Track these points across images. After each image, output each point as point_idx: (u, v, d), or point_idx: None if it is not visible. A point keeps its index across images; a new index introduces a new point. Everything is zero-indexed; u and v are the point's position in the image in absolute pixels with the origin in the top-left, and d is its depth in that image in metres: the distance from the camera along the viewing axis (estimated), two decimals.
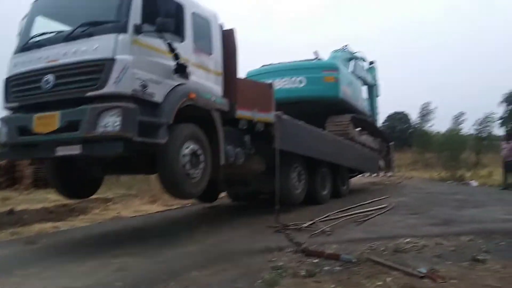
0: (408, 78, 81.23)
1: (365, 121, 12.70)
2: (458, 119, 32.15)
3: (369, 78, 15.01)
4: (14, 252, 5.34)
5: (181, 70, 5.36)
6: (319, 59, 11.75)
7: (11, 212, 8.61)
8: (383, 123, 41.86)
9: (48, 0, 5.83)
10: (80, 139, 4.67)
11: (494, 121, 24.27)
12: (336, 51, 13.03)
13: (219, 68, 6.33)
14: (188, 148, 5.37)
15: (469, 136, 22.22)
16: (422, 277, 3.64)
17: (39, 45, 5.22)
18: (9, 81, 5.34)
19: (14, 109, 5.37)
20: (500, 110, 36.66)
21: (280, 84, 10.80)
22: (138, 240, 5.92)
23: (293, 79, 10.84)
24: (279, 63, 11.83)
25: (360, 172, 13.45)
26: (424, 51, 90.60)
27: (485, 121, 22.20)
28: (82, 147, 4.71)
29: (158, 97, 5.06)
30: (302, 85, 10.75)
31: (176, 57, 5.26)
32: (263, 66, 11.78)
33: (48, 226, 7.36)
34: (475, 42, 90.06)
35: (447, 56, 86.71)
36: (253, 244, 5.29)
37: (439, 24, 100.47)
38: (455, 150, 20.58)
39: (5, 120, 5.34)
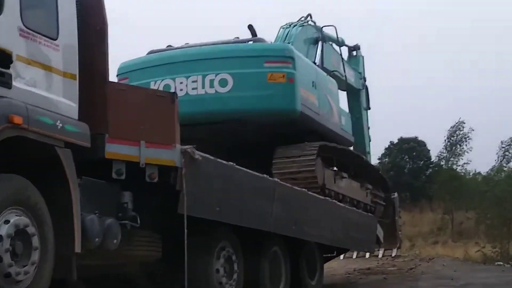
0: (422, 84, 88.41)
1: (345, 153, 13.31)
2: (507, 150, 34.29)
3: (351, 75, 15.73)
4: None
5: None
6: (258, 40, 12.22)
7: None
8: (380, 158, 43.96)
9: None
10: None
11: None
12: (289, 26, 13.67)
13: (73, 66, 6.50)
14: (8, 223, 5.36)
15: None
16: None
17: None
18: None
19: None
20: None
21: (184, 87, 11.22)
22: None
23: (208, 77, 11.19)
24: (185, 46, 12.33)
25: (343, 251, 13.86)
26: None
27: None
28: None
29: None
30: (226, 89, 11.16)
31: None
32: (150, 52, 12.20)
33: None
34: None
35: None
36: None
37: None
38: (509, 207, 21.81)
39: None
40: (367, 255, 20.24)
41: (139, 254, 7.74)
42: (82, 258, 6.35)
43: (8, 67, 5.56)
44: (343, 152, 13.14)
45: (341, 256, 20.21)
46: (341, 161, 12.76)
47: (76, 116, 6.49)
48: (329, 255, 13.37)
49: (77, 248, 6.15)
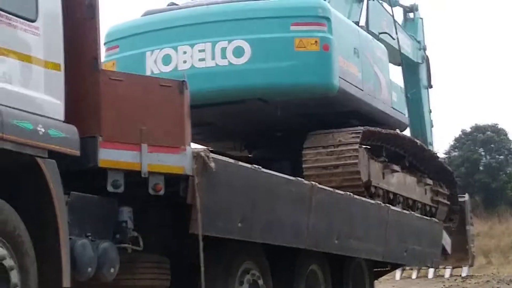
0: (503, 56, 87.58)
1: (397, 140, 13.42)
2: None
3: (407, 44, 15.72)
4: None
5: None
6: None
7: None
8: (448, 152, 43.73)
9: None
10: None
11: None
12: None
13: (57, 53, 6.63)
14: None
15: None
16: None
17: None
18: None
19: None
20: None
21: (189, 58, 11.35)
22: None
23: (219, 45, 11.25)
24: (190, 4, 12.49)
25: (397, 266, 14.04)
26: None
27: None
28: None
29: None
30: (242, 60, 11.21)
31: None
32: (147, 13, 12.29)
33: None
34: None
35: None
36: None
37: None
38: None
39: None
40: (430, 274, 20.62)
41: (143, 284, 7.87)
42: None
43: None
44: (394, 138, 13.18)
45: (397, 276, 20.80)
46: (391, 150, 12.89)
47: (62, 116, 6.61)
48: (381, 269, 13.60)
49: (66, 283, 6.27)
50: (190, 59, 11.30)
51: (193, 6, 12.25)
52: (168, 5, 12.57)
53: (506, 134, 45.74)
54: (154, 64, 11.42)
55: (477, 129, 46.36)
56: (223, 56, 11.21)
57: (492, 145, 45.83)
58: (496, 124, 46.68)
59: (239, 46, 11.17)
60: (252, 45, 11.14)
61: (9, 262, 5.74)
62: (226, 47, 11.23)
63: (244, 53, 11.16)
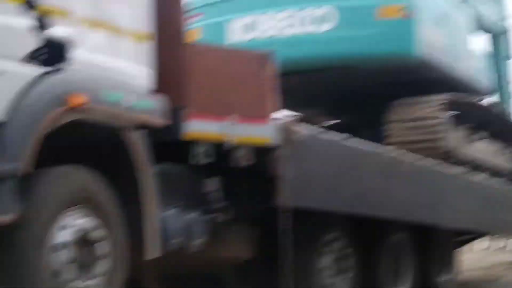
0: None
1: (480, 108, 13.18)
2: None
3: (489, 12, 15.40)
4: None
5: (55, 40, 5.56)
6: None
7: None
8: None
9: None
10: None
11: None
12: None
13: (144, 24, 6.64)
14: (71, 228, 5.58)
15: None
16: None
17: None
18: None
19: None
20: None
21: (271, 25, 11.30)
22: None
23: (304, 12, 11.20)
24: None
25: (481, 235, 14.01)
26: None
27: None
28: None
29: None
30: (327, 27, 11.11)
31: (42, 25, 5.46)
32: None
33: None
34: None
35: None
36: None
37: None
38: None
39: None
40: (510, 245, 20.41)
41: (230, 254, 7.99)
42: (159, 263, 6.61)
43: (65, 32, 5.71)
44: (477, 106, 12.98)
45: (479, 245, 20.55)
46: (475, 118, 12.63)
47: (151, 87, 6.67)
48: (465, 237, 13.57)
49: (154, 253, 6.39)
50: (275, 26, 11.28)
51: None
52: None
53: None
54: (237, 31, 11.45)
55: None
56: (308, 23, 11.15)
57: None
58: None
59: (327, 12, 11.07)
60: (340, 13, 11.03)
61: (99, 232, 5.80)
62: (311, 14, 11.15)
63: (331, 20, 11.06)
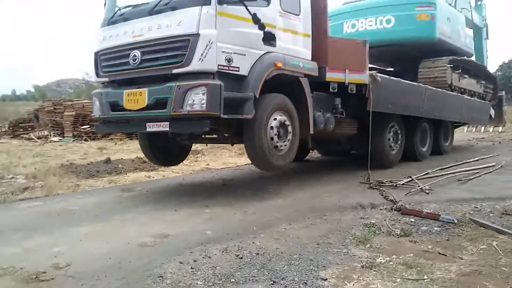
0: None
1: (466, 62, 12.30)
2: None
3: (476, 18, 14.21)
4: (112, 199, 6.25)
5: (268, 38, 5.76)
6: None
7: (107, 161, 9.95)
8: (495, 72, 40.45)
9: None
10: (168, 116, 5.30)
11: None
12: None
13: (308, 29, 6.57)
14: (276, 119, 5.81)
15: None
16: None
17: (125, 18, 5.87)
18: (98, 56, 6.13)
19: (105, 84, 6.22)
20: None
21: (364, 25, 10.82)
22: (228, 191, 6.68)
23: (379, 18, 10.68)
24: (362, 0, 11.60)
25: (465, 124, 13.38)
26: None
27: None
28: (170, 124, 5.36)
29: (243, 70, 5.48)
30: (390, 25, 10.58)
31: (262, 26, 5.57)
32: (344, 4, 11.71)
33: (142, 175, 8.56)
34: None
35: None
36: (344, 200, 5.71)
37: None
38: None
39: (97, 95, 6.17)
40: (482, 129, 19.30)
41: (345, 132, 7.95)
42: (313, 136, 6.74)
43: (273, 35, 5.86)
44: (465, 61, 12.12)
45: (465, 129, 19.51)
46: (464, 67, 11.82)
47: (310, 58, 6.64)
48: (458, 124, 13.09)
49: (311, 131, 6.52)
50: (365, 25, 10.85)
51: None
52: (343, 4, 11.93)
53: None
54: (347, 28, 11.09)
55: (510, 60, 42.27)
56: (381, 23, 10.67)
57: None
58: None
59: (388, 19, 10.57)
60: (396, 18, 10.51)
61: (287, 122, 5.99)
62: (382, 19, 10.63)
63: (391, 22, 10.56)
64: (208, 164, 10.06)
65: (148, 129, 5.61)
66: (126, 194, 6.61)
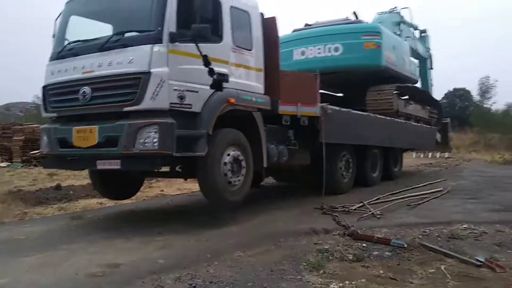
0: (473, 52, 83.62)
1: (412, 89, 12.83)
2: None
3: (420, 48, 14.87)
4: (61, 227, 6.08)
5: (217, 86, 5.70)
6: (358, 22, 11.76)
7: (58, 187, 9.55)
8: (441, 100, 43.34)
9: (81, 1, 6.30)
10: (119, 155, 5.22)
11: None
12: (382, 13, 13.05)
13: (260, 64, 6.65)
14: (229, 155, 5.83)
15: None
16: (479, 266, 3.93)
17: (74, 53, 5.75)
18: (47, 90, 5.96)
19: (53, 119, 6.04)
20: None
21: (313, 52, 11.00)
22: (181, 218, 6.60)
23: (327, 46, 10.89)
24: (311, 26, 11.92)
25: (413, 149, 13.90)
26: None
27: None
28: (121, 162, 5.27)
29: (196, 107, 5.47)
30: (338, 53, 10.79)
31: (211, 72, 5.56)
32: (294, 30, 11.91)
33: (93, 202, 8.30)
34: None
35: None
36: (298, 225, 5.83)
37: None
38: None
39: (46, 130, 5.98)
40: (430, 155, 20.17)
41: (298, 163, 8.03)
42: (267, 176, 7.05)
43: (224, 76, 5.85)
44: (410, 88, 12.68)
45: (414, 155, 20.43)
46: (409, 93, 12.37)
47: (262, 92, 6.71)
48: (406, 150, 13.77)
49: (265, 164, 6.58)
50: (314, 52, 11.03)
51: (316, 26, 11.81)
52: (304, 25, 12.15)
53: (469, 93, 43.81)
54: (297, 55, 11.19)
55: (455, 89, 44.61)
56: (329, 51, 10.88)
57: (462, 97, 44.37)
58: (465, 87, 44.96)
59: (337, 46, 10.81)
60: (343, 46, 10.78)
61: (241, 157, 6.02)
62: (331, 47, 10.87)
63: (339, 49, 10.80)
64: (162, 190, 9.99)
65: (98, 167, 5.49)
66: (76, 222, 6.43)
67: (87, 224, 6.32)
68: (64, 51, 5.90)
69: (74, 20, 6.17)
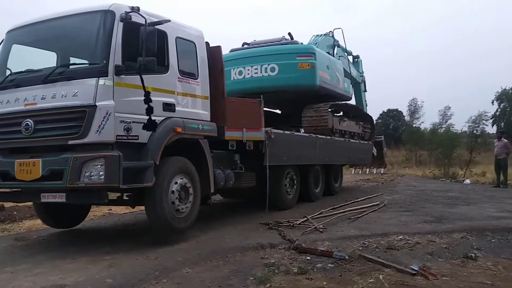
0: (407, 79, 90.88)
1: (345, 106, 13.44)
2: (445, 113, 34.54)
3: (354, 72, 15.52)
4: (4, 249, 5.97)
5: (151, 127, 5.61)
6: (294, 42, 12.07)
7: (1, 208, 9.20)
8: (376, 120, 45.16)
9: (24, 30, 6.12)
10: (64, 188, 5.15)
11: (487, 120, 26.15)
12: (317, 36, 13.56)
13: (206, 91, 6.84)
14: (177, 183, 5.92)
15: (462, 134, 24.19)
16: (414, 274, 4.34)
17: (16, 84, 5.63)
18: None
19: None
20: (493, 109, 43.76)
21: (250, 72, 11.27)
22: (129, 236, 6.67)
23: (264, 66, 11.15)
24: (249, 45, 12.25)
25: (352, 165, 14.61)
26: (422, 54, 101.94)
27: (479, 119, 24.11)
28: (66, 196, 5.23)
29: (143, 138, 5.52)
30: (274, 73, 11.07)
31: (149, 110, 5.50)
32: (231, 50, 12.08)
33: (38, 222, 7.99)
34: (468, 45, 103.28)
35: (445, 58, 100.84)
36: (245, 241, 6.00)
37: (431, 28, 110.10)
38: (447, 148, 22.34)
39: None
40: (367, 171, 21.09)
41: (244, 185, 8.28)
42: (214, 194, 7.15)
43: (156, 123, 5.75)
44: (344, 105, 13.30)
45: (352, 171, 21.41)
46: (343, 110, 12.98)
47: (209, 119, 6.88)
48: (345, 166, 14.45)
49: (212, 189, 6.77)
50: (251, 72, 11.26)
51: (253, 46, 12.06)
52: (242, 44, 12.40)
53: (402, 113, 46.04)
54: (234, 75, 11.34)
55: (389, 110, 47.49)
56: (266, 71, 11.15)
57: (395, 117, 47.10)
58: (397, 108, 47.85)
59: (273, 67, 11.08)
60: (279, 66, 11.06)
61: (188, 184, 6.14)
62: (267, 67, 11.14)
63: (275, 70, 11.06)
64: (110, 209, 9.86)
65: (43, 200, 5.43)
66: (20, 243, 6.33)
67: (32, 245, 6.23)
68: (5, 82, 5.79)
69: (16, 49, 6.07)
